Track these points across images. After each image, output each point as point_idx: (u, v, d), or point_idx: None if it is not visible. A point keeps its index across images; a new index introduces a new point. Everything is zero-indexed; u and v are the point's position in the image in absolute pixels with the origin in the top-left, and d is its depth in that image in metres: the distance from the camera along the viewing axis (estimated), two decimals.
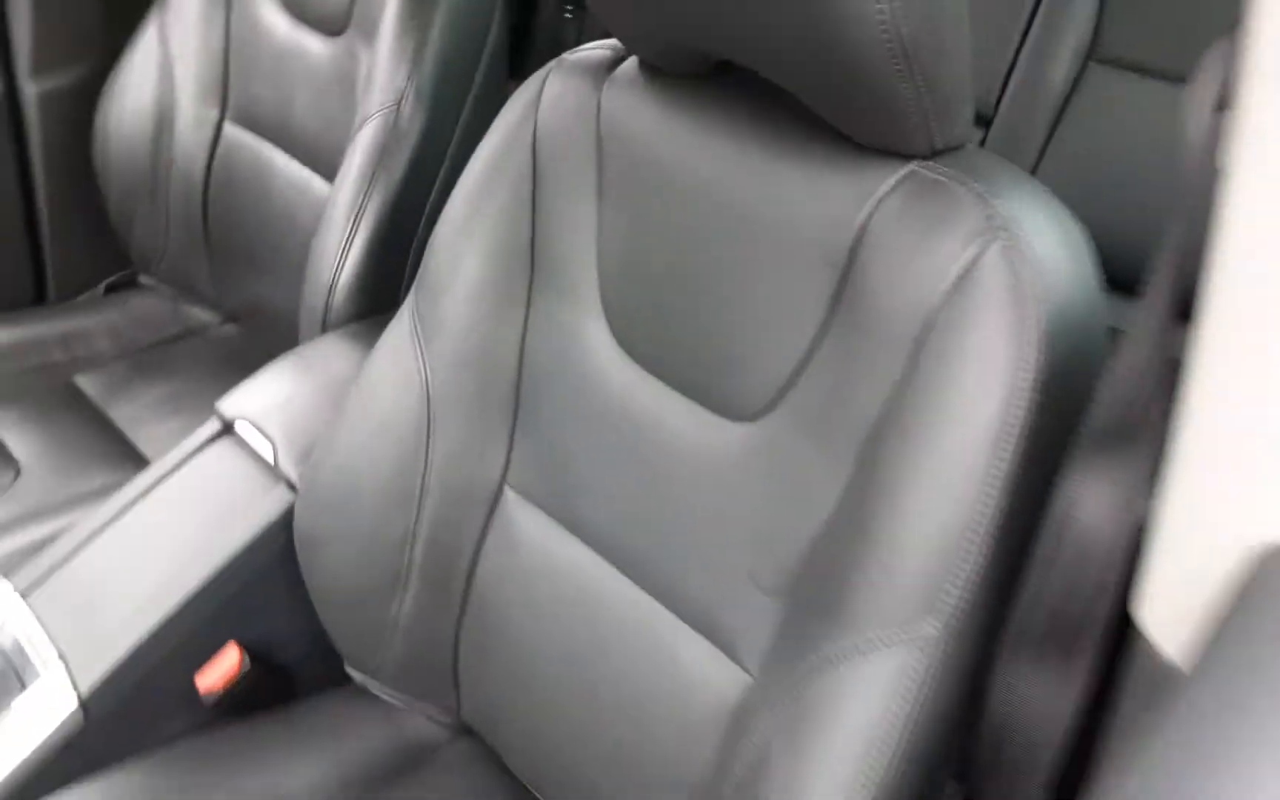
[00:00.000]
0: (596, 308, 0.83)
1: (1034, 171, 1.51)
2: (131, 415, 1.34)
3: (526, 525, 0.90)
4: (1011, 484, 0.58)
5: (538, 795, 0.95)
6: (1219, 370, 0.46)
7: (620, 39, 0.79)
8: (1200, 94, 0.48)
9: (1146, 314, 0.52)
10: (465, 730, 1.01)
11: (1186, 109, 0.49)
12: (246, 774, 0.94)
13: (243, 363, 1.13)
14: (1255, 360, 0.44)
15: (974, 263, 0.60)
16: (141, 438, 1.30)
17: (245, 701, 0.99)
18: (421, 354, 0.90)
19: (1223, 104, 0.47)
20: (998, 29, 1.52)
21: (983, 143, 1.51)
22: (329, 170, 1.24)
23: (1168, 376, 0.51)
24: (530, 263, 0.86)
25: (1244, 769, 0.36)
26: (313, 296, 1.15)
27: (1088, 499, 0.54)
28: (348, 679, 1.03)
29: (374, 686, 1.01)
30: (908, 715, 0.59)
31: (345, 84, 1.20)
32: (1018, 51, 1.50)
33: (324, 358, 1.10)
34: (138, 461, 1.25)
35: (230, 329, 1.49)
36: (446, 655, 0.96)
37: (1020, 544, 0.58)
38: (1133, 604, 0.52)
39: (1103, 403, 0.53)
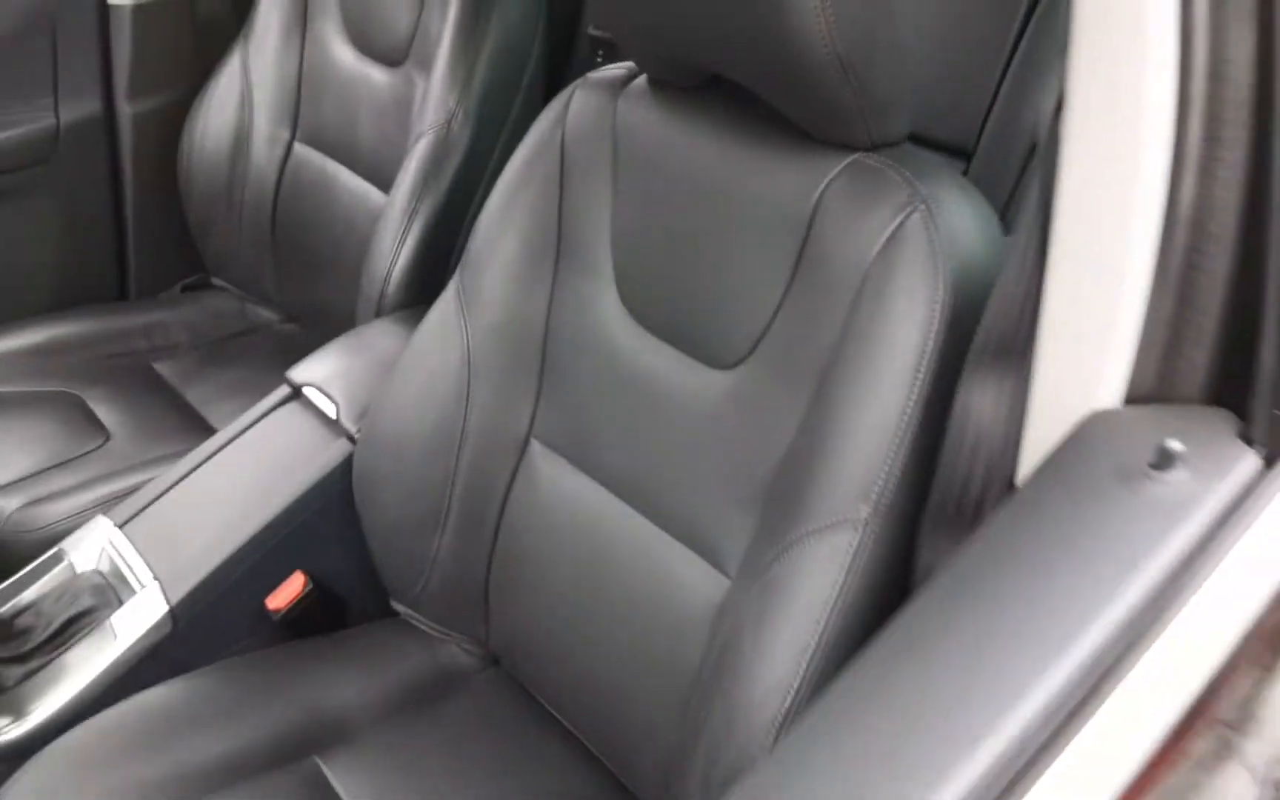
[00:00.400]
0: (610, 280, 1.00)
1: (1009, 201, 1.66)
2: (204, 395, 1.52)
3: (549, 470, 1.06)
4: (927, 396, 0.74)
5: (556, 713, 1.10)
6: (1060, 294, 0.62)
7: (633, 60, 0.97)
8: (1049, 100, 0.65)
9: (1018, 259, 0.68)
10: (493, 661, 1.17)
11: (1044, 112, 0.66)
12: (304, 684, 1.10)
13: (301, 354, 1.29)
14: (1080, 286, 0.61)
15: (899, 228, 0.77)
16: (212, 414, 1.48)
17: (306, 624, 1.16)
18: (464, 321, 1.07)
19: (1059, 106, 0.63)
20: (979, 73, 1.67)
21: (964, 174, 1.66)
22: (385, 182, 1.42)
23: (1035, 305, 0.67)
24: (557, 244, 1.03)
25: (1033, 537, 0.51)
26: (370, 287, 1.33)
27: (980, 401, 0.70)
28: (392, 612, 1.19)
29: (414, 618, 1.17)
30: (845, 579, 0.75)
31: (402, 107, 1.39)
32: (995, 94, 1.65)
33: (379, 336, 1.28)
34: (209, 432, 1.43)
35: (290, 327, 1.67)
36: (479, 585, 1.12)
37: (935, 442, 0.74)
38: (1017, 479, 0.68)
39: (987, 327, 0.69)
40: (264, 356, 1.60)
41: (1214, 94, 0.54)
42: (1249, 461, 0.52)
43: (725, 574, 0.91)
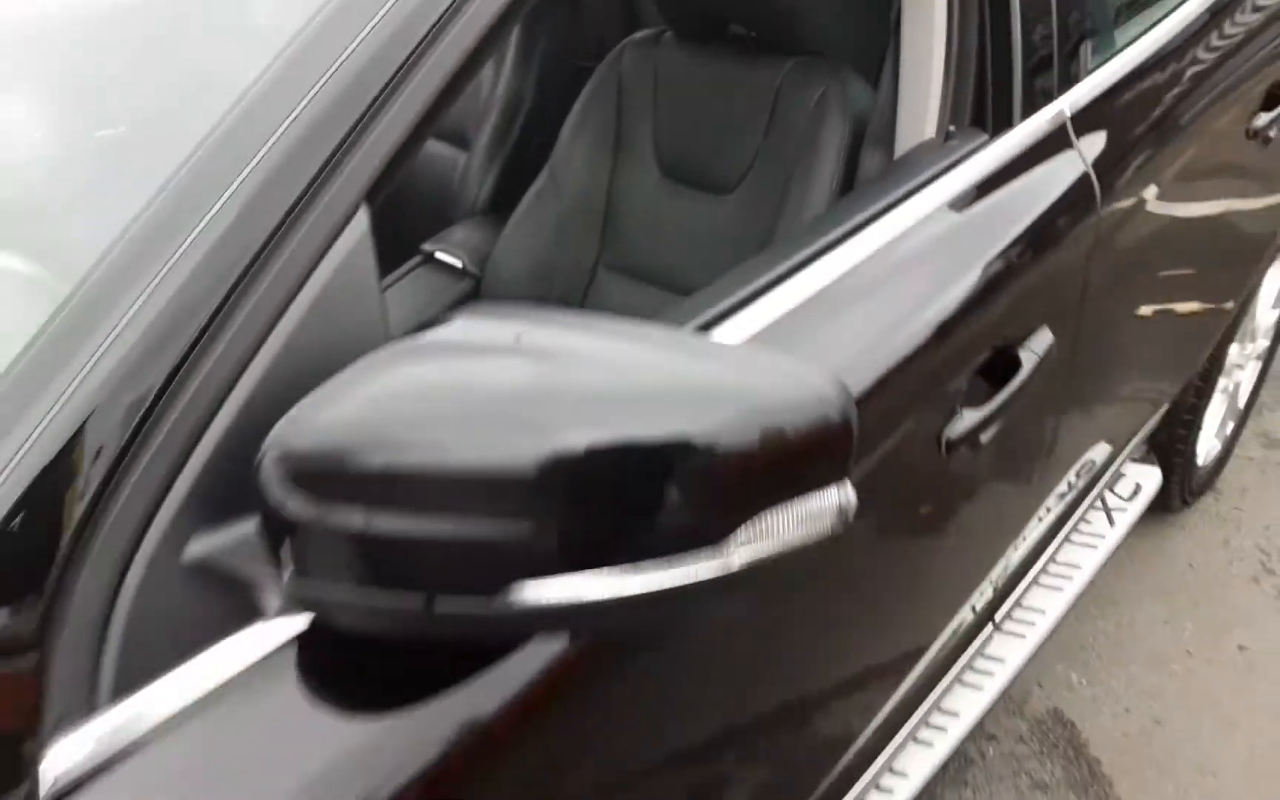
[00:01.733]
0: (652, 160, 1.67)
1: None
2: None
3: (612, 283, 1.71)
4: (843, 174, 1.44)
5: None
6: (905, 95, 1.33)
7: (666, 21, 1.66)
8: None
9: (883, 98, 1.38)
10: None
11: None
12: None
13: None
14: (915, 88, 1.31)
15: (824, 94, 1.47)
16: None
17: None
18: (555, 196, 1.73)
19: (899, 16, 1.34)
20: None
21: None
22: (460, 141, 2.08)
23: (893, 114, 1.37)
24: (615, 144, 1.70)
25: (876, 183, 1.21)
26: (465, 200, 1.98)
27: (869, 165, 1.39)
28: None
29: None
30: None
31: (475, 87, 2.05)
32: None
33: (475, 227, 1.92)
34: None
35: None
36: None
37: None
38: None
39: (870, 132, 1.39)
40: None
41: None
42: (983, 136, 1.23)
43: None
